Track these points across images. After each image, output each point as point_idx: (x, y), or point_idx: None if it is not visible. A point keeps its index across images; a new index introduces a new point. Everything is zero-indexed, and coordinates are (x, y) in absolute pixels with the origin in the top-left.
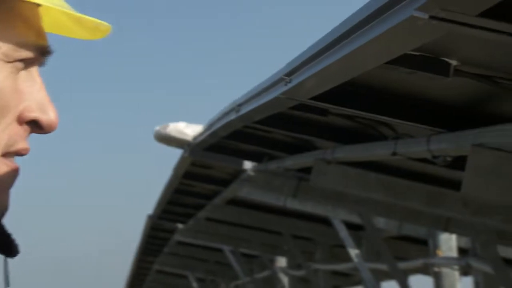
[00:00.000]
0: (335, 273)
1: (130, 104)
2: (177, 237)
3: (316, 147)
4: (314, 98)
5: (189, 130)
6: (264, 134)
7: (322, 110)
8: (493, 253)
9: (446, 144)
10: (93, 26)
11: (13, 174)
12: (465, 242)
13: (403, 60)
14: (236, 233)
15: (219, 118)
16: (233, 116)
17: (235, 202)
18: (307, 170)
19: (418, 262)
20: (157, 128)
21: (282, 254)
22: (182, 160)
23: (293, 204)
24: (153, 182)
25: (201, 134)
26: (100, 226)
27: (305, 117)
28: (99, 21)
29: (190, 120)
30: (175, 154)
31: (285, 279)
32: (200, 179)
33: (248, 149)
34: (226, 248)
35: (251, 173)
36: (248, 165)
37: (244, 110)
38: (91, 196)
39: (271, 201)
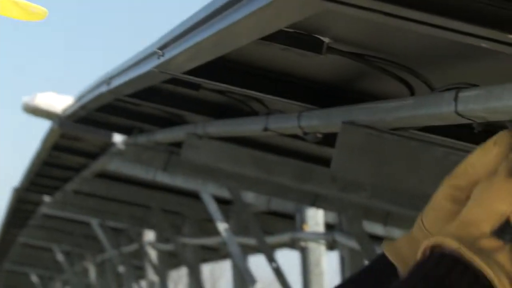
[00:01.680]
0: (204, 247)
1: None
2: (43, 209)
3: (188, 121)
4: (187, 73)
5: (59, 101)
6: (135, 108)
7: (194, 84)
8: (359, 228)
9: (317, 121)
10: (28, 8)
11: None
12: (332, 217)
13: (277, 37)
14: (104, 207)
15: (90, 91)
16: (104, 89)
17: (104, 175)
18: (178, 144)
19: (286, 237)
20: (25, 99)
21: (151, 227)
22: (51, 132)
23: (163, 178)
24: (20, 154)
25: (71, 106)
26: None
27: (177, 91)
28: (35, 5)
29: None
30: (44, 126)
31: (153, 253)
32: (69, 151)
33: (118, 122)
34: (94, 221)
35: (121, 147)
36: (118, 138)
37: (116, 83)
38: None
39: (140, 174)
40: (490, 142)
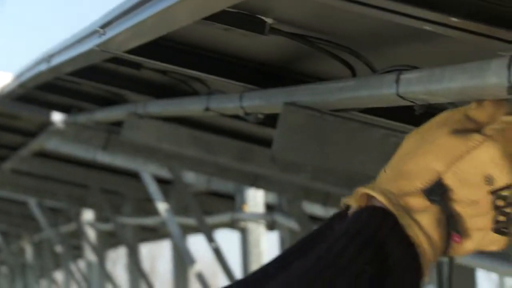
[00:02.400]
0: (143, 227)
1: None
2: None
3: (129, 101)
4: (128, 52)
5: None
6: (75, 87)
7: (135, 63)
8: (299, 209)
9: (259, 101)
10: None
11: None
12: (272, 198)
13: (220, 17)
14: (42, 186)
15: (29, 68)
16: (43, 66)
17: (42, 154)
18: (118, 123)
19: (225, 217)
20: None
21: (89, 207)
22: None
23: (102, 158)
24: None
25: (9, 84)
26: None
27: (118, 70)
28: None
29: None
30: None
31: (91, 233)
32: (7, 130)
33: (58, 101)
34: (31, 201)
35: (60, 125)
36: (57, 117)
37: (56, 61)
38: None
39: (80, 153)
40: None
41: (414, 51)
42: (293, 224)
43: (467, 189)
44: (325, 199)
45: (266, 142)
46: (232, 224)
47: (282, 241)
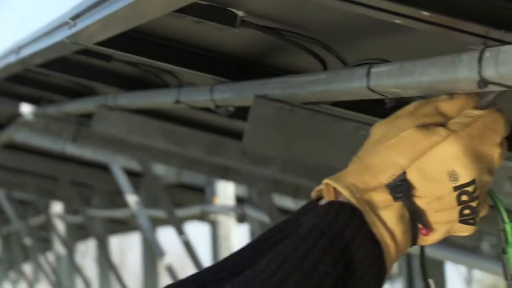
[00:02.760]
0: (112, 219)
1: None
2: None
3: (99, 93)
4: (99, 44)
5: None
6: (45, 78)
7: (106, 55)
8: (269, 202)
9: (230, 94)
10: None
11: None
12: (242, 190)
13: (191, 9)
14: (11, 178)
15: None
16: (12, 58)
17: (11, 146)
18: (88, 115)
19: (195, 210)
20: None
21: (58, 199)
22: None
23: (72, 150)
24: None
25: None
26: None
27: (89, 62)
28: None
29: None
30: None
31: (60, 225)
32: None
33: (27, 93)
34: (0, 193)
35: (29, 117)
36: (26, 108)
37: (25, 52)
38: None
39: (49, 145)
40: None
41: (386, 45)
42: (263, 217)
43: (431, 185)
44: (295, 192)
45: (236, 135)
46: (202, 217)
47: (252, 234)
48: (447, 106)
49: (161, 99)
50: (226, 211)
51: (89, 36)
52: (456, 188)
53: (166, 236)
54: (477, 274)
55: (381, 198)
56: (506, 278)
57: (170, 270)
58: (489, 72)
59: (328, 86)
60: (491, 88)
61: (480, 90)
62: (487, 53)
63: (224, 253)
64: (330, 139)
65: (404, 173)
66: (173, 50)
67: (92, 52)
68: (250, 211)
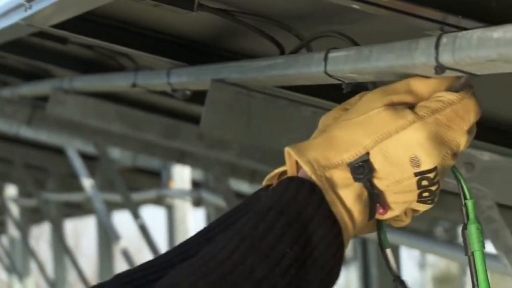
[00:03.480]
0: (67, 203)
1: None
2: None
3: (54, 76)
4: (54, 26)
5: None
6: (0, 60)
7: (62, 38)
8: (225, 186)
9: (186, 78)
10: None
11: None
12: (199, 174)
13: None
14: None
15: None
16: None
17: None
18: (43, 98)
19: (151, 194)
20: None
21: (13, 182)
22: None
23: (26, 133)
24: None
25: None
26: None
27: (44, 44)
28: None
29: None
30: None
31: (14, 208)
32: None
33: None
34: None
35: None
36: None
37: None
38: None
39: (3, 128)
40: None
41: (344, 30)
42: (219, 201)
43: (392, 169)
44: (251, 176)
45: (193, 119)
46: (158, 201)
47: (208, 218)
48: (420, 86)
49: (117, 82)
50: (182, 195)
51: (45, 18)
52: (417, 174)
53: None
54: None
55: (342, 176)
56: (466, 253)
57: (126, 254)
58: (446, 58)
59: (286, 71)
60: (448, 73)
61: (437, 76)
62: (444, 39)
63: (180, 237)
64: (287, 123)
65: (367, 153)
66: (130, 33)
67: (47, 34)
68: (206, 195)
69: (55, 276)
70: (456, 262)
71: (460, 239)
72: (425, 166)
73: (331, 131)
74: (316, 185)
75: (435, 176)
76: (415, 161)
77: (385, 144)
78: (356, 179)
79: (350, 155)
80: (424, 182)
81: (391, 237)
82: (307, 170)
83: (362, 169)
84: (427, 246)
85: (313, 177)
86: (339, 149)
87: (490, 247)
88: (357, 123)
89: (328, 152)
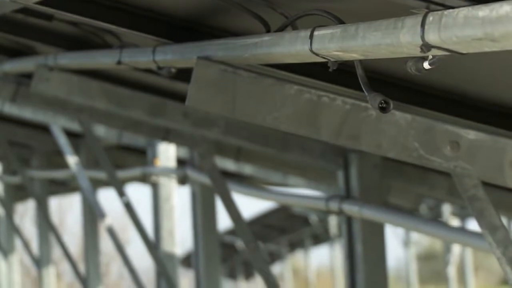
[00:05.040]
0: (52, 180)
1: None
2: None
3: (39, 53)
4: (39, 3)
5: None
6: None
7: (47, 15)
8: (210, 164)
9: (172, 56)
10: None
11: None
12: (184, 152)
13: None
14: None
15: None
16: None
17: None
18: (28, 75)
19: (137, 171)
20: None
21: None
22: None
23: (10, 110)
24: None
25: None
26: None
27: (29, 21)
28: None
29: None
30: None
31: None
32: None
33: None
34: None
35: None
36: None
37: None
38: None
39: None
40: None
41: (330, 9)
42: (204, 179)
43: None
44: (237, 154)
45: (178, 97)
46: (143, 178)
47: (194, 196)
48: None
49: (102, 59)
50: (168, 172)
51: None
52: None
53: (107, 197)
54: (415, 236)
55: None
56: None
57: (111, 232)
58: (432, 37)
59: (272, 49)
60: (434, 52)
61: (423, 54)
62: (430, 18)
63: (165, 215)
64: (272, 101)
65: None
66: (115, 10)
67: (32, 11)
68: (192, 173)
69: (39, 253)
70: (440, 240)
71: (444, 217)
72: None
73: None
74: None
75: None
76: None
77: None
78: None
79: None
80: None
81: (376, 215)
82: None
83: None
84: (411, 224)
85: None
86: None
87: (475, 225)
88: None
89: None
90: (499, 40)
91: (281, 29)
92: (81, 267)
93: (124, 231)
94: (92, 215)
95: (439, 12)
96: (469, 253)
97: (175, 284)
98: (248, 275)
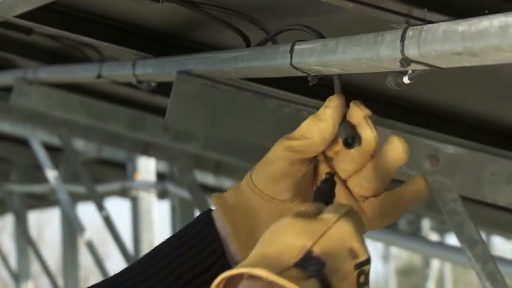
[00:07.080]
0: (31, 194)
1: None
2: None
3: (18, 66)
4: (19, 16)
5: None
6: None
7: (26, 28)
8: (190, 178)
9: (152, 69)
10: None
11: None
12: (164, 166)
13: None
14: None
15: None
16: None
17: None
18: (7, 89)
19: (116, 185)
20: None
21: None
22: None
23: None
24: None
25: None
26: None
27: (8, 34)
28: None
29: None
30: None
31: None
32: None
33: None
34: None
35: None
36: None
37: None
38: None
39: None
40: (322, 107)
41: (311, 23)
42: (184, 193)
43: (336, 262)
44: (216, 168)
45: (158, 111)
46: (123, 193)
47: (173, 210)
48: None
49: (82, 73)
50: (147, 187)
51: (9, 8)
52: (356, 266)
53: (86, 212)
54: (394, 250)
55: (296, 275)
56: None
57: (90, 246)
58: (412, 51)
59: (251, 63)
60: (413, 66)
61: (403, 68)
62: (410, 32)
63: (145, 229)
64: (252, 116)
65: (310, 251)
66: (95, 24)
67: (11, 24)
68: (171, 187)
69: (18, 268)
70: (420, 254)
71: (423, 232)
72: (361, 257)
73: (259, 251)
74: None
75: (368, 270)
76: (352, 253)
77: (322, 240)
78: (309, 271)
79: (294, 257)
80: (362, 279)
81: None
82: (262, 273)
83: (311, 263)
84: (390, 238)
85: (269, 276)
86: (279, 257)
87: (454, 240)
88: (282, 232)
89: (270, 262)
90: (478, 55)
91: (262, 43)
92: (60, 282)
93: (104, 245)
94: (71, 229)
95: (419, 27)
96: (448, 268)
97: None
98: None
